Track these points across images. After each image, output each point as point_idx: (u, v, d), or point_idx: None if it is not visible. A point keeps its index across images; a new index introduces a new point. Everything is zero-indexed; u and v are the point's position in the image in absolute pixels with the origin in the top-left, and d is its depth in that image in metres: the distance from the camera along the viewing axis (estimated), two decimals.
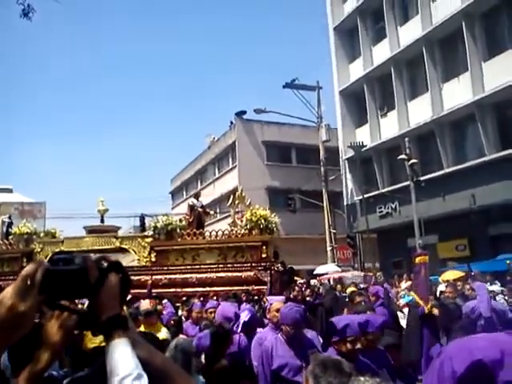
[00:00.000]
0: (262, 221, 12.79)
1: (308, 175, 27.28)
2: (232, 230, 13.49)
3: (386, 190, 23.00)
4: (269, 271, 12.10)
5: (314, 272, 21.13)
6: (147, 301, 5.92)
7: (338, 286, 15.17)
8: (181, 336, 4.96)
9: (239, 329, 5.19)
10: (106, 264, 1.18)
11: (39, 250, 14.52)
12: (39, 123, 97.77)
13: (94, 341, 1.86)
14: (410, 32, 22.06)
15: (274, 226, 13.09)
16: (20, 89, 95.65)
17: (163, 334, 5.45)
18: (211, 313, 6.31)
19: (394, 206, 22.42)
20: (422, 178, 19.10)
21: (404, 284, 14.96)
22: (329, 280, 18.72)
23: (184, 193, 39.81)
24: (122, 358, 1.09)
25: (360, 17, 24.93)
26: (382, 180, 23.69)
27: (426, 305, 5.20)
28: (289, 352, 4.07)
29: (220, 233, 13.41)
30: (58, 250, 13.93)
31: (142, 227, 29.61)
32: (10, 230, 15.79)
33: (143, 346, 1.22)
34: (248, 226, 13.02)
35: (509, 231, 17.31)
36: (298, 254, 21.06)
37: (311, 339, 4.35)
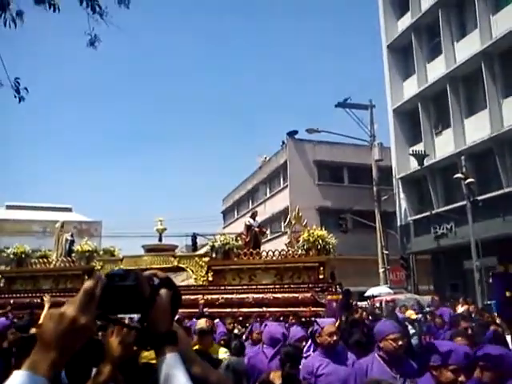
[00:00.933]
0: (320, 241, 12.63)
1: (360, 195, 26.79)
2: (289, 251, 13.40)
3: (441, 210, 22.21)
4: (326, 293, 11.87)
5: (366, 294, 20.57)
6: (203, 320, 5.62)
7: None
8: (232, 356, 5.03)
9: (309, 351, 4.91)
10: (157, 280, 1.21)
11: (99, 267, 14.85)
12: (96, 146, 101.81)
13: (145, 357, 1.99)
14: (468, 47, 21.42)
15: (331, 246, 12.92)
16: (74, 112, 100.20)
17: (223, 354, 5.34)
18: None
19: (449, 227, 21.59)
20: (479, 198, 18.31)
21: (461, 308, 14.28)
22: (381, 302, 18.15)
23: (235, 212, 40.09)
24: (173, 373, 1.12)
25: (414, 33, 24.56)
26: (436, 200, 22.91)
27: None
28: (388, 373, 3.64)
29: (277, 253, 13.35)
30: (117, 267, 14.41)
31: (194, 246, 30.15)
32: (72, 247, 16.23)
33: (199, 363, 1.29)
34: (305, 247, 12.88)
35: None
36: (349, 275, 20.57)
37: (410, 362, 3.87)
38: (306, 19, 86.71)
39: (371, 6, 28.59)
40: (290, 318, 10.30)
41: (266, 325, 5.90)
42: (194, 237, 31.46)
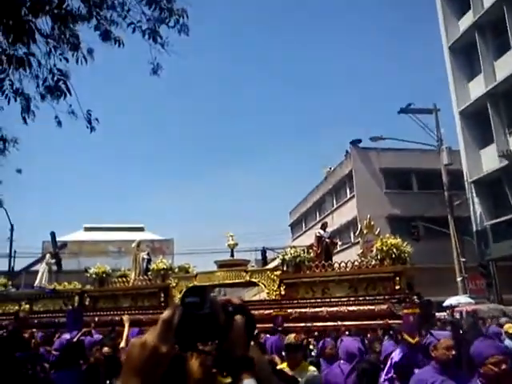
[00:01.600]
0: (394, 250, 12.25)
1: (431, 201, 25.96)
2: (362, 261, 13.06)
3: None
4: (403, 304, 11.42)
5: (444, 304, 19.76)
6: (292, 335, 5.30)
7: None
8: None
9: (390, 372, 4.60)
10: (231, 307, 1.23)
11: (174, 284, 15.27)
12: (169, 168, 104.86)
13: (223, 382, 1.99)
14: None
15: (406, 255, 12.50)
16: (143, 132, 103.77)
17: (311, 372, 4.96)
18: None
19: None
20: None
21: None
22: (461, 313, 17.37)
23: (303, 225, 39.95)
24: None
25: (478, 32, 23.76)
26: None
27: None
28: None
29: (350, 264, 13.03)
30: (191, 284, 14.72)
31: (264, 261, 30.29)
32: (148, 266, 16.77)
33: None
34: (379, 256, 12.57)
35: None
36: (424, 284, 19.74)
37: None
38: (364, 27, 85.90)
39: (430, 7, 27.92)
40: (378, 330, 10.07)
41: (341, 340, 5.83)
42: (264, 251, 31.63)
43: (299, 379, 4.42)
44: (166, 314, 1.13)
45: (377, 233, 13.71)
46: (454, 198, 24.58)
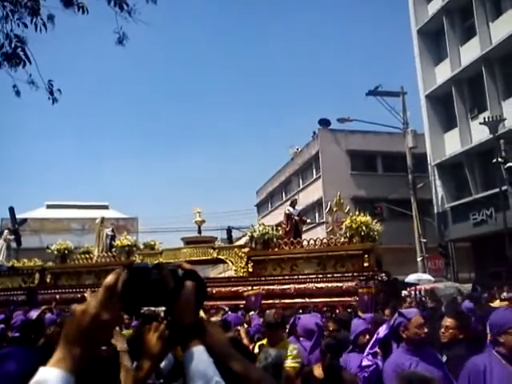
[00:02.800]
0: (363, 228, 12.18)
1: (395, 183, 26.42)
2: (331, 238, 12.99)
3: (479, 195, 21.72)
4: (371, 281, 11.38)
5: (405, 280, 20.27)
6: (272, 311, 5.16)
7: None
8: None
9: (374, 347, 4.31)
10: (181, 272, 1.20)
11: (139, 261, 14.89)
12: (124, 141, 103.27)
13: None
14: (504, 26, 20.76)
15: (375, 233, 12.45)
16: (103, 108, 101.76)
17: (291, 350, 4.78)
18: None
19: (489, 213, 21.08)
20: None
21: (505, 294, 13.94)
22: (420, 291, 17.86)
23: (269, 205, 40.12)
24: (199, 365, 1.11)
25: (446, 16, 24.01)
26: (474, 185, 22.39)
27: None
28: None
29: (318, 241, 12.95)
30: (156, 261, 14.57)
31: (230, 240, 30.34)
32: (112, 242, 16.42)
33: (238, 359, 1.24)
34: (348, 234, 12.50)
35: None
36: (386, 264, 20.26)
37: None
38: (335, 7, 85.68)
39: None
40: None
41: (298, 318, 5.81)
42: (229, 230, 31.68)
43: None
44: (108, 279, 1.10)
45: (346, 210, 13.66)
46: (418, 180, 25.10)
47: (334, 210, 14.25)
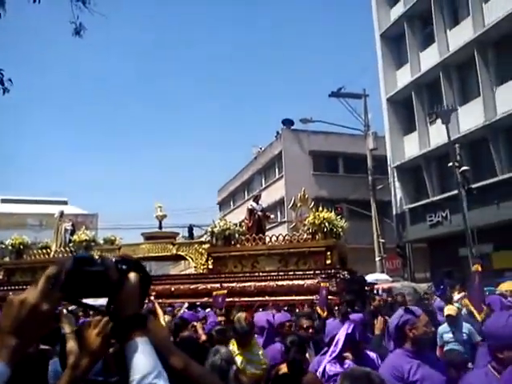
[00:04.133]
0: (326, 224, 11.81)
1: (355, 184, 26.89)
2: (294, 235, 12.67)
3: (436, 198, 22.37)
4: (334, 279, 11.06)
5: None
6: (242, 314, 4.86)
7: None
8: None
9: (334, 352, 3.93)
10: (125, 265, 1.19)
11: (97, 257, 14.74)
12: (86, 135, 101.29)
13: None
14: (461, 35, 21.45)
15: (339, 230, 12.14)
16: (68, 99, 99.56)
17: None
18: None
19: (444, 215, 21.74)
20: (473, 186, 18.40)
21: (457, 295, 14.43)
22: (377, 290, 18.24)
23: (231, 203, 40.14)
24: (142, 356, 1.10)
25: (407, 22, 24.56)
26: (431, 188, 23.05)
27: (480, 314, 4.96)
28: None
29: (281, 238, 12.59)
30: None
31: (191, 238, 30.08)
32: (71, 238, 15.98)
33: (177, 354, 1.25)
34: (311, 231, 12.12)
35: None
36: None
37: None
38: (300, 9, 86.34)
39: None
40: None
41: (253, 316, 5.87)
42: (191, 228, 31.44)
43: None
44: (49, 269, 1.09)
45: (311, 206, 13.27)
46: (378, 182, 25.61)
47: (298, 205, 13.97)
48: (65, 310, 5.41)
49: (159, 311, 6.74)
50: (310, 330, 5.21)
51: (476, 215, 18.11)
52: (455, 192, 19.56)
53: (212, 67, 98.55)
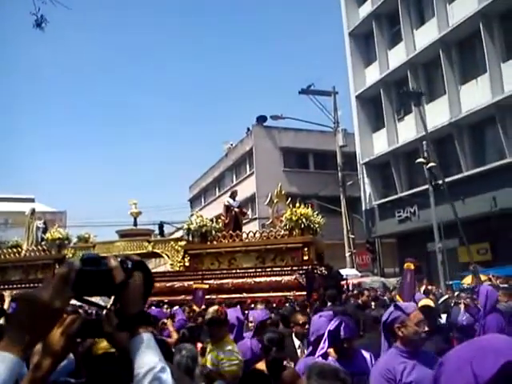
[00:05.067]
0: (304, 220, 11.71)
1: (326, 181, 27.17)
2: (271, 231, 12.45)
3: (404, 194, 22.85)
4: (302, 273, 11.04)
5: None
6: (214, 308, 4.83)
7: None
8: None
9: (323, 348, 3.68)
10: (130, 263, 1.25)
11: (71, 255, 14.36)
12: (53, 134, 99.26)
13: (102, 347, 1.86)
14: (426, 35, 21.95)
15: (316, 226, 12.03)
16: (34, 99, 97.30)
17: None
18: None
19: (412, 211, 22.24)
20: (440, 182, 18.86)
21: (422, 288, 14.85)
22: (348, 285, 18.56)
23: (203, 200, 39.99)
24: (147, 351, 1.15)
25: (375, 21, 24.92)
26: (400, 184, 23.52)
27: None
28: None
29: (258, 234, 12.44)
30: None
31: (162, 235, 29.88)
32: (43, 236, 15.60)
33: None
34: (288, 227, 11.98)
35: None
36: None
37: None
38: (271, 5, 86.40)
39: None
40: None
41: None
42: (161, 225, 31.19)
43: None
44: (61, 269, 1.15)
45: (288, 202, 13.10)
46: (347, 178, 25.95)
47: (275, 201, 13.74)
48: None
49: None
50: (306, 326, 4.88)
51: (443, 211, 18.53)
52: (423, 188, 20.04)
53: (183, 65, 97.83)
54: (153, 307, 9.07)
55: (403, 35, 23.21)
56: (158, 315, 7.20)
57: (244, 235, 12.75)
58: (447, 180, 19.72)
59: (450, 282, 17.12)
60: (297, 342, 5.04)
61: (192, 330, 6.47)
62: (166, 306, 10.24)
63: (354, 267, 23.39)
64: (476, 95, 19.56)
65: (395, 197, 23.43)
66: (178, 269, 12.97)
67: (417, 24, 23.14)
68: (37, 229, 15.82)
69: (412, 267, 5.44)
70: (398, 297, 5.60)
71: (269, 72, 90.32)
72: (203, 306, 8.62)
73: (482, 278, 13.98)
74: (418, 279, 16.72)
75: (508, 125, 18.53)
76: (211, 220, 13.54)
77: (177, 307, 9.05)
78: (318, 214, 12.45)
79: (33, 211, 16.32)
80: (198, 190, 41.19)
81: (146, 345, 1.16)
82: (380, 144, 24.83)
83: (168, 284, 12.04)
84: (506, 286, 11.64)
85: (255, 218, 28.13)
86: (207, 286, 9.83)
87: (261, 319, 5.54)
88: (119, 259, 1.25)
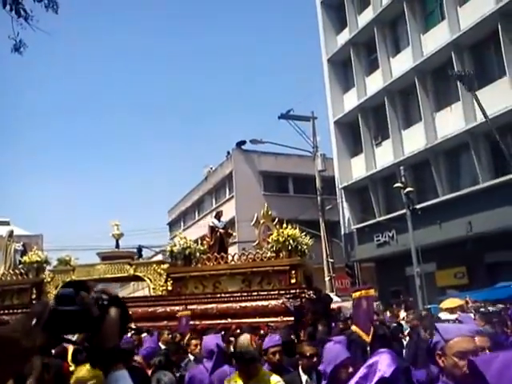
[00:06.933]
0: (291, 241, 11.28)
1: (305, 205, 27.32)
2: (257, 253, 11.95)
3: (382, 218, 23.08)
4: (299, 299, 10.51)
5: None
6: (247, 336, 4.09)
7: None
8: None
9: None
10: (106, 300, 1.25)
11: (49, 279, 13.77)
12: (31, 158, 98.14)
13: (80, 377, 1.83)
14: (402, 63, 22.55)
15: (304, 247, 11.62)
16: (13, 120, 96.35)
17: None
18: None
19: (391, 235, 22.47)
20: (418, 206, 19.16)
21: (403, 313, 14.91)
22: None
23: (182, 224, 39.77)
24: None
25: (353, 48, 25.48)
26: (378, 208, 23.80)
27: (367, 336, 5.07)
28: None
29: (244, 256, 11.98)
30: (68, 279, 13.45)
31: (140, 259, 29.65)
32: (21, 259, 14.87)
33: None
34: (275, 248, 11.49)
35: (506, 259, 17.32)
36: None
37: None
38: (251, 31, 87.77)
39: (312, 20, 29.39)
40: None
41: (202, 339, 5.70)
42: (140, 249, 30.85)
43: None
44: (34, 308, 1.15)
45: (274, 223, 12.68)
46: (326, 202, 26.12)
47: (261, 221, 13.19)
48: None
49: None
50: (315, 359, 4.45)
51: (420, 235, 18.83)
52: (400, 212, 20.31)
53: (164, 87, 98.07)
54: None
55: (380, 63, 23.78)
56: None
57: (229, 257, 12.31)
58: (424, 205, 20.10)
59: (429, 306, 17.24)
60: (304, 377, 4.52)
61: (167, 355, 6.15)
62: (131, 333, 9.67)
63: (333, 291, 23.38)
64: (450, 122, 20.07)
65: (374, 221, 23.66)
66: (160, 293, 12.44)
67: (393, 52, 23.77)
68: (15, 251, 15.24)
69: (370, 293, 5.26)
70: (354, 327, 5.36)
71: (248, 96, 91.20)
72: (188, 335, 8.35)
73: (459, 301, 14.11)
74: (396, 304, 16.85)
75: (481, 151, 19.02)
76: (195, 241, 13.14)
77: (145, 334, 8.36)
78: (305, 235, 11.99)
79: (11, 233, 15.76)
80: (177, 214, 41.00)
81: (122, 382, 1.18)
82: (358, 169, 25.16)
83: (150, 309, 11.59)
84: (482, 310, 11.78)
85: (235, 242, 28.05)
86: (189, 312, 9.53)
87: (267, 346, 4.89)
88: (95, 295, 1.24)
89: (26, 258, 14.37)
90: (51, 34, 7.05)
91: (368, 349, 4.81)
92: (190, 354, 6.73)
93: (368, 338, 4.91)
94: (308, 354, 4.52)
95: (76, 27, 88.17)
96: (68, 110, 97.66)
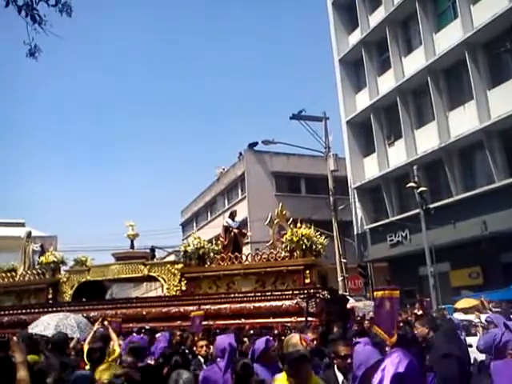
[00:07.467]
0: (305, 241, 11.21)
1: (317, 205, 27.29)
2: (271, 253, 11.88)
3: (395, 218, 23.00)
4: (313, 299, 10.33)
5: None
6: (296, 336, 3.86)
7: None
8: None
9: None
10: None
11: (65, 279, 13.98)
12: (46, 158, 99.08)
13: None
14: (414, 62, 22.46)
15: (319, 247, 11.54)
16: (29, 119, 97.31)
17: None
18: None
19: (404, 235, 22.38)
20: (431, 206, 19.05)
21: (419, 312, 14.86)
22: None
23: (194, 224, 39.95)
24: None
25: (365, 48, 25.45)
26: (391, 208, 23.71)
27: (390, 338, 5.00)
28: None
29: (258, 256, 11.89)
30: (84, 279, 13.68)
31: (153, 260, 29.81)
32: (39, 259, 15.14)
33: None
34: (289, 248, 11.44)
35: None
36: None
37: None
38: (263, 33, 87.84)
39: (323, 20, 29.42)
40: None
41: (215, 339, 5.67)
42: (153, 249, 31.03)
43: None
44: None
45: (289, 222, 12.53)
46: (339, 202, 26.07)
47: (275, 221, 13.08)
48: (15, 338, 5.28)
49: (113, 336, 6.55)
50: (349, 360, 4.10)
51: (434, 234, 18.72)
52: (414, 212, 20.22)
53: (177, 88, 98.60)
54: (134, 334, 8.79)
55: (392, 62, 23.71)
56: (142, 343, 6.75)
57: (243, 257, 12.23)
58: (438, 204, 19.99)
59: (443, 306, 17.17)
60: (340, 377, 4.32)
61: (184, 355, 6.21)
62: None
63: (346, 292, 23.34)
64: (464, 121, 19.95)
65: (387, 221, 23.59)
66: (174, 293, 12.45)
67: (405, 52, 23.70)
68: (33, 252, 15.42)
69: (394, 295, 5.14)
70: (376, 327, 5.20)
71: (261, 97, 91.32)
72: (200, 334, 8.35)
73: (474, 302, 14.04)
74: (411, 304, 16.77)
75: (496, 150, 18.88)
76: (209, 241, 13.04)
77: (159, 334, 8.44)
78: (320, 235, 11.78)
79: (29, 234, 15.98)
80: (189, 215, 41.18)
81: None
82: (371, 168, 25.11)
83: (164, 309, 11.68)
84: (498, 309, 11.73)
85: (247, 243, 28.11)
86: (203, 312, 9.53)
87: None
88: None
89: (42, 259, 14.61)
90: (64, 39, 7.17)
91: (387, 349, 4.72)
92: (199, 356, 6.74)
93: (390, 341, 4.88)
94: (342, 354, 4.31)
95: (82, 27, 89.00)
96: (74, 109, 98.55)
